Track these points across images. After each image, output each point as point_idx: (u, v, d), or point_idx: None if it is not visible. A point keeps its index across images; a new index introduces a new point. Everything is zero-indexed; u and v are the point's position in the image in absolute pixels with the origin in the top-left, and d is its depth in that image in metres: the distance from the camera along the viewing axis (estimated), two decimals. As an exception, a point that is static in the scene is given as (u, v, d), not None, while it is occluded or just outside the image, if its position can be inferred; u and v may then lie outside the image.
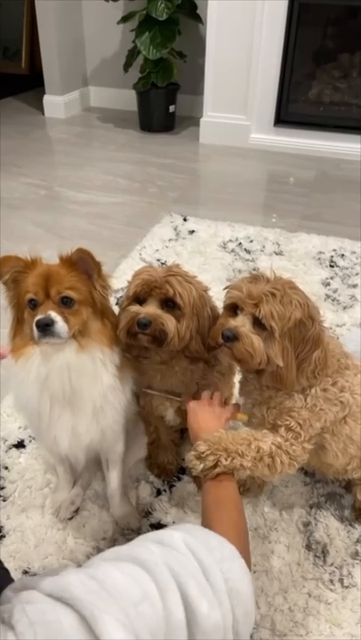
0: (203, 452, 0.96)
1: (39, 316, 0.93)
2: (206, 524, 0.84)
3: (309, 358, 0.99)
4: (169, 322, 1.02)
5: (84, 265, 0.98)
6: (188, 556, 0.68)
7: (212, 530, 0.78)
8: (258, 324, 0.97)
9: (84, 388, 1.00)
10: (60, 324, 0.93)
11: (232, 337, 0.96)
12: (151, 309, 1.03)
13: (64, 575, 0.62)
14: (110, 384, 1.03)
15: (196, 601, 0.63)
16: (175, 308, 1.04)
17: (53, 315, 0.93)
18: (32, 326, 0.94)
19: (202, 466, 0.95)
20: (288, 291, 0.97)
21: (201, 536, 0.74)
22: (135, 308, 1.04)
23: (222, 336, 0.98)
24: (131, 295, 1.06)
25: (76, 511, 1.28)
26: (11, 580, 0.70)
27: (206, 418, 1.05)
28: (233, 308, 1.01)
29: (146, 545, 0.70)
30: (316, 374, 1.02)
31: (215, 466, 0.95)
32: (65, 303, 0.96)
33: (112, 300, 1.07)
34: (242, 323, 0.97)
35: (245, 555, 0.76)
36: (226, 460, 0.95)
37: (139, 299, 1.06)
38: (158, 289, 1.03)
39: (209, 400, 1.11)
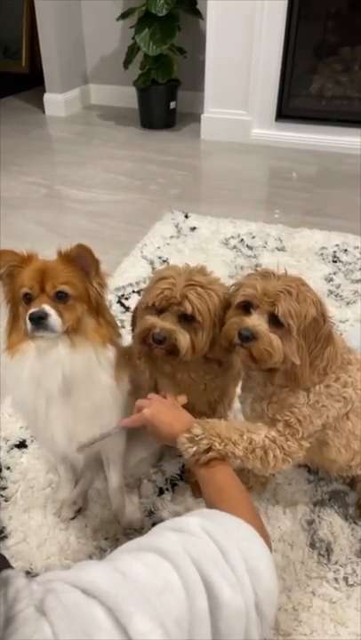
0: (197, 435, 0.93)
1: (32, 309, 0.92)
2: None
3: (322, 355, 0.98)
4: (182, 338, 1.02)
5: (81, 261, 0.97)
6: (205, 540, 0.68)
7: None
8: (272, 322, 0.95)
9: (79, 385, 0.98)
10: (54, 318, 0.92)
11: (250, 337, 0.94)
12: (167, 324, 1.02)
13: (87, 568, 0.62)
14: (105, 382, 1.02)
15: (219, 587, 0.63)
16: (193, 321, 1.03)
17: (47, 308, 0.92)
18: (25, 319, 0.93)
19: (195, 449, 0.92)
20: (301, 288, 0.96)
21: (217, 519, 0.74)
22: (152, 320, 1.04)
23: (239, 336, 0.96)
24: (150, 305, 1.05)
25: (79, 511, 1.27)
26: (8, 565, 0.69)
27: (174, 413, 1.02)
28: (244, 306, 0.99)
29: (164, 534, 0.70)
30: (327, 371, 1.01)
31: (208, 450, 0.92)
32: (60, 298, 0.94)
33: (113, 299, 1.06)
34: (258, 321, 0.95)
35: (263, 534, 0.76)
36: (220, 445, 0.93)
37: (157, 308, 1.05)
38: (177, 306, 1.02)
39: (157, 397, 1.06)
